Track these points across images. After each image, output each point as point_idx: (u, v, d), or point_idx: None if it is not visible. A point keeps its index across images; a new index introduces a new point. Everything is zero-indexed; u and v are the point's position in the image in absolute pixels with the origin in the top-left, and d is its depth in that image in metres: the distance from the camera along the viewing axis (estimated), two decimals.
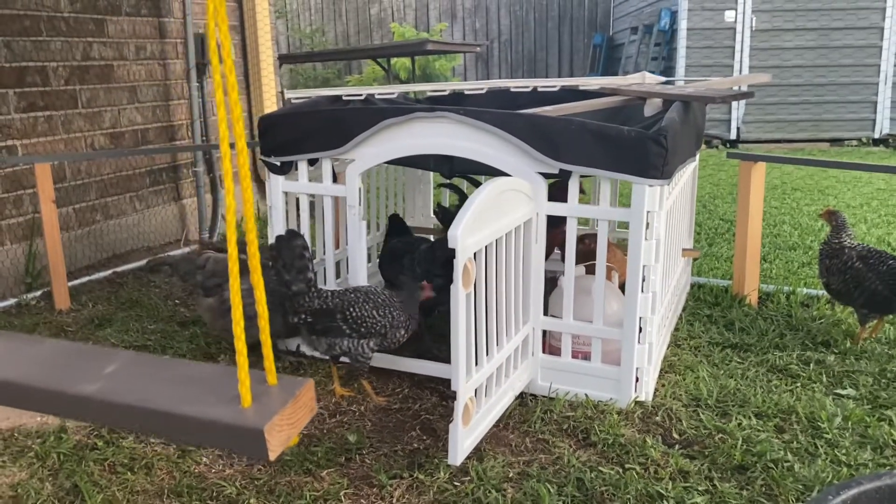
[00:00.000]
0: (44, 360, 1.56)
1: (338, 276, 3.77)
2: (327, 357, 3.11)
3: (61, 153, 4.65)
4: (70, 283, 4.28)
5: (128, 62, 5.14)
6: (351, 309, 2.94)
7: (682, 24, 11.22)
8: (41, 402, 1.48)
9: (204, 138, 5.61)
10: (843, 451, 2.65)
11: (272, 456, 1.33)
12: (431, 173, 4.91)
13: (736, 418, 2.88)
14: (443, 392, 3.15)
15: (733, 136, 11.35)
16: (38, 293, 4.34)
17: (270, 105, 6.23)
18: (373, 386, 3.17)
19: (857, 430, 2.79)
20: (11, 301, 4.23)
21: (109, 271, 4.78)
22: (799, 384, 3.18)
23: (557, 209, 3.00)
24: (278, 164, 3.37)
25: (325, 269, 3.59)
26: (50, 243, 4.04)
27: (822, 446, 2.68)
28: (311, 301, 3.01)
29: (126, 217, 5.20)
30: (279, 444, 1.34)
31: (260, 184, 6.49)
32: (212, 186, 5.75)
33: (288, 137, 3.33)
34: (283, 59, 7.46)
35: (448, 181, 4.22)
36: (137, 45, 5.21)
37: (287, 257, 3.01)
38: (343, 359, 3.09)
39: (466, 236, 2.36)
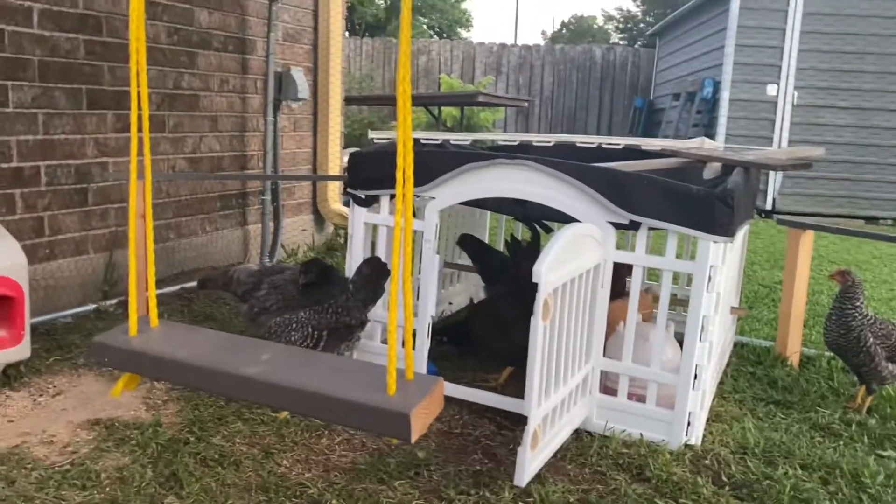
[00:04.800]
0: (205, 346, 1.79)
1: None
2: None
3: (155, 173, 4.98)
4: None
5: (212, 93, 5.50)
6: None
7: (725, 95, 11.53)
8: (208, 380, 1.71)
9: (273, 169, 5.93)
10: None
11: (413, 438, 1.54)
12: (488, 218, 5.18)
13: (782, 467, 3.03)
14: (499, 422, 3.33)
15: (769, 206, 11.55)
16: (115, 301, 4.61)
17: (335, 143, 6.56)
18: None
19: None
20: (91, 307, 4.51)
21: (178, 286, 5.06)
22: (842, 442, 3.33)
23: (625, 257, 3.22)
24: (363, 196, 3.64)
25: None
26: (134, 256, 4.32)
27: (865, 499, 2.82)
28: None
29: (196, 237, 5.49)
30: (418, 429, 1.56)
31: (317, 215, 6.81)
32: (275, 215, 6.04)
33: (374, 174, 3.60)
34: (346, 101, 7.82)
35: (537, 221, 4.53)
36: (222, 79, 5.57)
37: None
38: None
39: (550, 272, 2.59)
